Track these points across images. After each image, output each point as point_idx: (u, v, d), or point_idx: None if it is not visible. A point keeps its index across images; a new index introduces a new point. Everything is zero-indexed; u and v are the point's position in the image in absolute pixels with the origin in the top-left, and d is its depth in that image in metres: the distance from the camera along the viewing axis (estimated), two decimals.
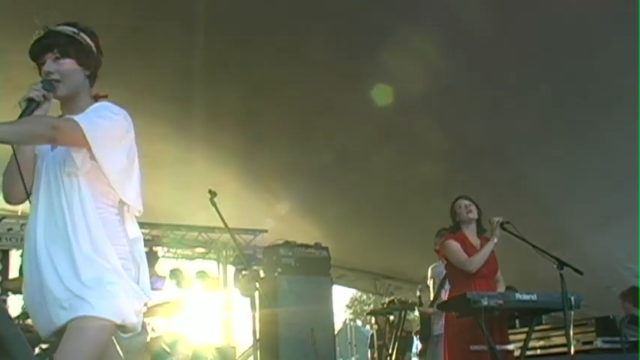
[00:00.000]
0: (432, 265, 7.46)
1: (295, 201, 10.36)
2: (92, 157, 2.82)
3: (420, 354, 8.11)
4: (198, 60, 7.03)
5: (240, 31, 6.83)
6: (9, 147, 2.85)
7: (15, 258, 9.84)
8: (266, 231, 10.64)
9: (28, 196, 2.93)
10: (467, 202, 5.92)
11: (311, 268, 8.95)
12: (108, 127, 2.85)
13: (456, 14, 6.42)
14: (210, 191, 6.42)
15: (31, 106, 2.80)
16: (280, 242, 9.12)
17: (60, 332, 2.76)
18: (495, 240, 5.72)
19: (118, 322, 2.77)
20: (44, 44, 2.94)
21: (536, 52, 6.75)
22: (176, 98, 7.56)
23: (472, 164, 8.45)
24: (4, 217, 9.47)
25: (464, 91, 7.40)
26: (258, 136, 8.62)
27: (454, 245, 5.81)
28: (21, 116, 2.78)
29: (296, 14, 6.60)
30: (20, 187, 2.91)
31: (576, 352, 6.57)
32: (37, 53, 2.95)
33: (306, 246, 9.11)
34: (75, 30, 3.00)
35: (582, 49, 6.71)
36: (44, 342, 7.15)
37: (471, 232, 5.89)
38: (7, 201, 3.01)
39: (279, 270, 8.74)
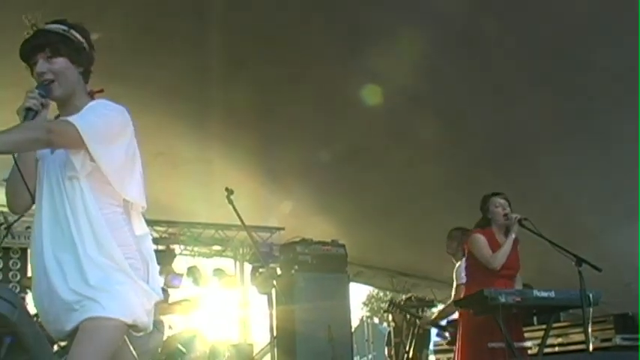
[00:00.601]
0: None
1: (312, 198, 10.35)
2: (92, 159, 2.80)
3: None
4: (215, 59, 7.04)
5: (256, 30, 6.83)
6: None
7: None
8: (283, 228, 10.66)
9: (33, 202, 2.94)
10: (505, 202, 5.80)
11: (328, 265, 8.95)
12: (104, 125, 2.83)
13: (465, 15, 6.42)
14: (227, 189, 6.44)
15: (29, 115, 2.80)
16: (297, 240, 9.13)
17: (72, 334, 2.76)
18: (513, 236, 5.69)
19: (129, 322, 2.77)
20: (35, 44, 2.90)
21: (550, 45, 6.71)
22: (192, 97, 7.57)
23: (489, 161, 8.42)
24: (22, 216, 9.50)
25: (481, 88, 7.38)
26: (275, 134, 8.62)
27: (482, 240, 5.75)
28: None
29: (312, 12, 6.59)
30: (25, 196, 2.94)
31: (595, 349, 6.53)
32: (28, 54, 2.92)
33: (323, 243, 9.12)
34: (65, 27, 2.96)
35: (599, 42, 6.66)
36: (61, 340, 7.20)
37: (499, 231, 5.83)
38: (13, 211, 3.06)
39: (296, 267, 8.75)
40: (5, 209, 9.53)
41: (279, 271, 9.13)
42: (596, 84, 7.03)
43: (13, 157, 2.85)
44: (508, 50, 6.84)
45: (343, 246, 9.22)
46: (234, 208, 6.45)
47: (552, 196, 8.49)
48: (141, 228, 3.04)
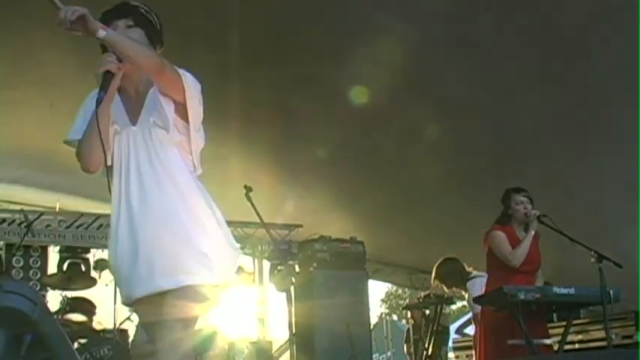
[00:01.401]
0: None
1: (330, 195, 10.35)
2: (180, 131, 3.04)
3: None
4: (233, 56, 7.06)
5: (275, 27, 6.83)
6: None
7: (53, 254, 9.96)
8: (301, 226, 10.65)
9: (106, 163, 2.99)
10: (526, 199, 5.77)
11: (346, 262, 8.94)
12: (195, 86, 3.07)
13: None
14: (245, 186, 6.45)
15: (107, 77, 2.89)
16: (315, 237, 9.13)
17: (149, 297, 2.91)
18: (532, 233, 5.66)
19: (220, 283, 2.98)
20: (121, 10, 3.09)
21: (556, 43, 6.66)
22: (211, 95, 7.55)
23: (509, 157, 8.38)
24: (42, 214, 9.58)
25: (499, 84, 7.35)
26: (294, 132, 8.62)
27: (501, 237, 5.73)
28: (100, 88, 2.87)
29: (331, 9, 6.58)
30: (100, 154, 2.95)
31: (616, 346, 6.49)
32: (111, 18, 3.05)
33: (342, 240, 9.11)
34: (147, 8, 3.18)
35: (605, 40, 6.61)
36: (82, 337, 7.24)
37: (519, 227, 5.81)
38: (85, 169, 3.09)
39: (315, 265, 8.74)
40: (25, 207, 9.64)
41: (297, 269, 9.14)
42: (606, 80, 6.98)
43: (96, 112, 2.90)
44: (520, 49, 6.81)
45: (362, 243, 9.21)
46: (252, 205, 6.45)
47: (571, 192, 8.45)
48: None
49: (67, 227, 9.67)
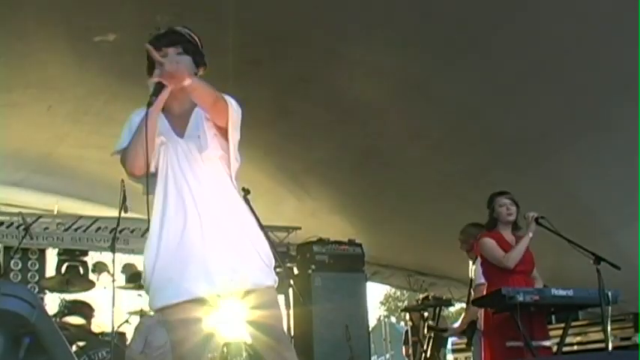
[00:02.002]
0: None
1: (329, 198, 10.35)
2: (222, 147, 3.30)
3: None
4: (231, 58, 7.05)
5: (272, 29, 6.83)
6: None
7: (51, 257, 9.95)
8: (299, 228, 10.65)
9: (148, 169, 3.14)
10: (509, 201, 5.84)
11: (345, 264, 8.96)
12: (237, 113, 3.28)
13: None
14: (243, 189, 6.44)
15: (158, 87, 3.06)
16: (314, 239, 9.14)
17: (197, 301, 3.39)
18: (530, 235, 5.68)
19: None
20: (171, 39, 3.31)
21: (561, 44, 6.67)
22: None
23: (507, 159, 8.37)
24: (40, 217, 9.57)
25: (499, 84, 7.34)
26: (292, 133, 8.62)
27: (490, 242, 5.78)
28: (152, 94, 3.05)
29: (329, 11, 6.58)
30: (144, 159, 3.11)
31: (614, 347, 6.50)
32: (162, 45, 3.24)
33: (340, 243, 9.12)
34: (191, 33, 3.42)
35: (610, 40, 6.61)
36: (81, 340, 7.23)
37: (506, 230, 5.85)
38: (130, 172, 3.22)
39: (313, 267, 8.75)
40: (24, 210, 9.64)
41: (296, 271, 9.15)
42: (610, 82, 6.98)
43: (146, 118, 3.05)
44: (520, 49, 6.81)
45: (360, 245, 9.22)
46: (250, 207, 6.44)
47: (569, 193, 8.44)
48: None
49: (66, 230, 9.66)
